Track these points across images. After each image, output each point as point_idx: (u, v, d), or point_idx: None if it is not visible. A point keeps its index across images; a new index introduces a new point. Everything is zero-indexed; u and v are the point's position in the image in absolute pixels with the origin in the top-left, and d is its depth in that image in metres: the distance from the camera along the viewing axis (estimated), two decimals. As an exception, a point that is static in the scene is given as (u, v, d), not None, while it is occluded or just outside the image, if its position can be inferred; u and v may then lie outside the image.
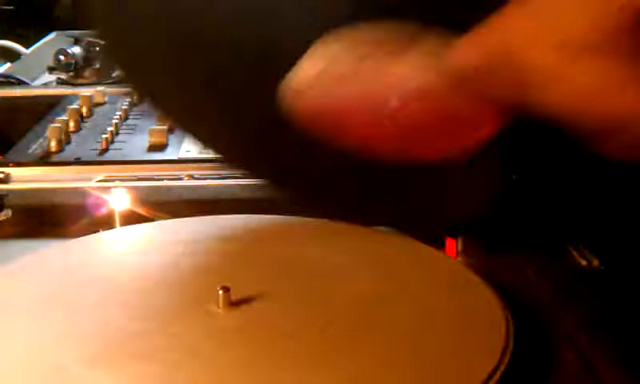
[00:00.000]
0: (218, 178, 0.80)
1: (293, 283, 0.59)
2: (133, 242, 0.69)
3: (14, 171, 0.81)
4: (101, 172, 0.81)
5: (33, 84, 1.22)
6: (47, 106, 1.05)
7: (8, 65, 1.33)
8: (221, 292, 0.55)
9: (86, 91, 1.03)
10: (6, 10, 1.95)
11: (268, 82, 0.52)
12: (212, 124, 0.62)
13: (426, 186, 0.61)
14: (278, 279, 0.60)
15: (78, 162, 0.84)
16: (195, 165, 0.83)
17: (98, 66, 1.22)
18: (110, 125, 0.91)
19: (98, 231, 0.70)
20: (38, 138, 0.90)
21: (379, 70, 0.47)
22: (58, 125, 0.88)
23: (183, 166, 0.83)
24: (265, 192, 0.78)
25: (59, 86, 1.20)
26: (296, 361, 0.49)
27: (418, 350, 0.50)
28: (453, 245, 0.65)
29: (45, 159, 0.85)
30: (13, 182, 0.80)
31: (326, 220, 0.70)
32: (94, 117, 0.99)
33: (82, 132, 0.93)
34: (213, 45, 0.57)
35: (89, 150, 0.87)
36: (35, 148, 0.87)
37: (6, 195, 0.72)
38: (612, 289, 0.57)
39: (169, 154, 0.86)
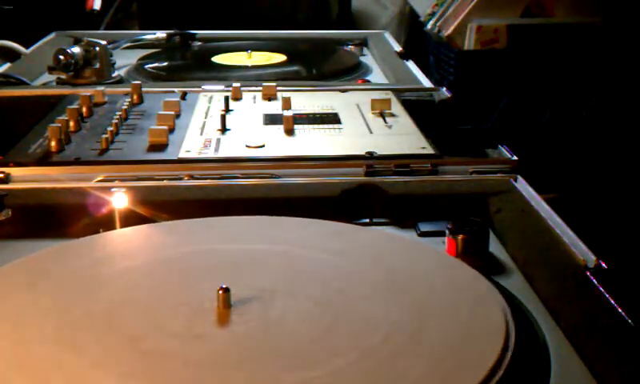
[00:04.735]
0: (218, 178, 0.80)
1: (293, 283, 0.59)
2: (133, 242, 0.69)
3: (13, 171, 0.81)
4: (101, 172, 0.81)
5: (33, 84, 1.22)
6: (47, 106, 1.05)
7: (8, 65, 1.33)
8: (221, 292, 0.55)
9: (86, 91, 1.03)
10: (6, 9, 1.95)
11: None
12: None
13: None
14: (278, 279, 0.60)
15: (78, 161, 0.84)
16: (195, 165, 0.83)
17: (97, 65, 1.21)
18: (110, 125, 0.91)
19: (98, 231, 0.70)
20: (37, 138, 0.90)
21: None
22: (58, 125, 0.88)
23: (183, 165, 0.83)
24: (264, 192, 0.78)
25: (59, 86, 1.20)
26: (296, 360, 0.50)
27: (418, 349, 0.50)
28: (453, 244, 0.65)
29: (45, 159, 0.85)
30: (13, 182, 0.80)
31: (325, 220, 0.71)
32: (94, 117, 0.99)
33: (81, 132, 0.93)
34: None
35: (89, 150, 0.87)
36: (35, 148, 0.87)
37: (6, 195, 0.72)
38: (612, 288, 0.57)
39: (169, 153, 0.86)
